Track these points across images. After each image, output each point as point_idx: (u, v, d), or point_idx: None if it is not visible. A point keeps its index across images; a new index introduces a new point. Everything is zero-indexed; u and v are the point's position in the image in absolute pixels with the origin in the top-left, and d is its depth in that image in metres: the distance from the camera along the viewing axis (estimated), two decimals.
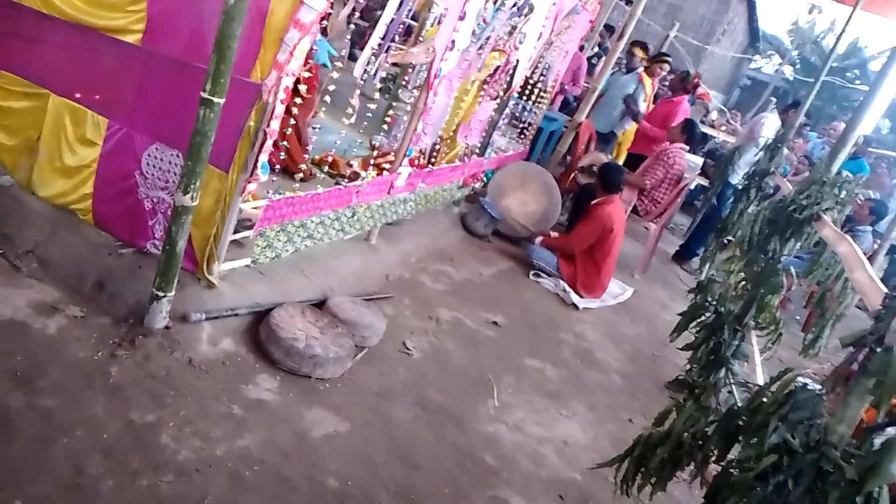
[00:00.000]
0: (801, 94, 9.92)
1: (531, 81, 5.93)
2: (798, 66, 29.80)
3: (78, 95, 2.84)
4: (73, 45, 2.80)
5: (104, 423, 2.18)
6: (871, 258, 5.91)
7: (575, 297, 4.78)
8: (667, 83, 9.35)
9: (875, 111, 3.99)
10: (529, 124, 6.45)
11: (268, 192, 3.04)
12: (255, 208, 2.92)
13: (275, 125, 2.66)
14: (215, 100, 2.30)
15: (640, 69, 7.24)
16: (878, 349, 1.67)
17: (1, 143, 3.03)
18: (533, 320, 4.27)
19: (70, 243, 2.88)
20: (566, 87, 8.12)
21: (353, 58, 6.58)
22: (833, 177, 3.71)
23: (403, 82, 5.72)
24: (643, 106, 7.16)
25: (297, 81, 2.75)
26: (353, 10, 5.86)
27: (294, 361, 2.75)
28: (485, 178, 5.64)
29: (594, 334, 4.43)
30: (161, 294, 2.57)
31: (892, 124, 27.24)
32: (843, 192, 3.67)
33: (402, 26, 4.13)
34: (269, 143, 2.68)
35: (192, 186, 2.42)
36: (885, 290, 1.98)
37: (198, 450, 2.23)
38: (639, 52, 7.59)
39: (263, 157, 2.70)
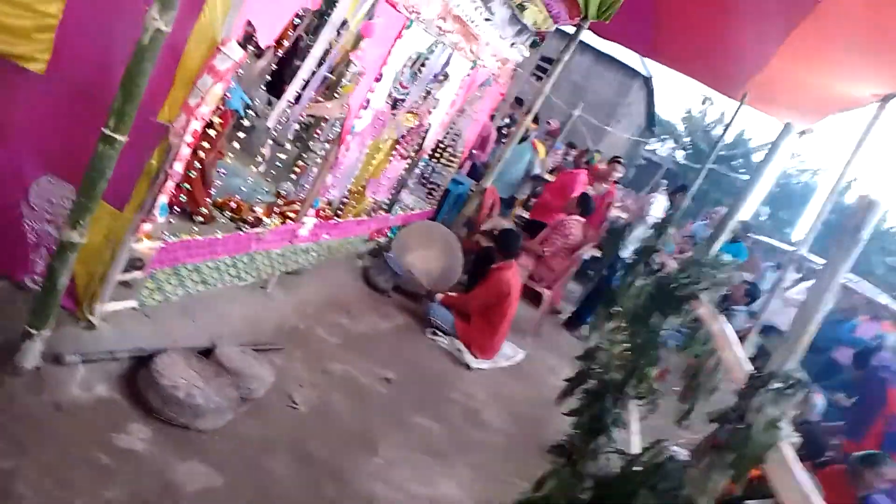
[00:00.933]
0: (690, 178, 10.72)
1: (442, 145, 6.12)
2: (689, 152, 32.15)
3: None
4: None
5: None
6: (743, 336, 6.37)
7: (469, 357, 4.85)
8: (570, 157, 9.91)
9: (755, 198, 4.39)
10: (437, 185, 6.62)
11: (163, 234, 2.97)
12: (149, 249, 2.83)
13: (178, 167, 2.62)
14: (118, 137, 2.25)
15: (532, 137, 7.74)
16: (739, 425, 1.81)
17: None
18: (425, 378, 4.30)
19: None
20: (475, 153, 8.43)
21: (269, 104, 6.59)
22: (712, 259, 4.01)
23: (316, 134, 5.76)
24: (541, 171, 7.65)
25: (208, 125, 2.73)
26: (270, 62, 5.90)
27: (172, 411, 2.64)
28: (390, 234, 5.70)
29: (483, 395, 4.50)
30: (34, 332, 2.43)
31: (770, 211, 29.68)
32: (721, 274, 3.97)
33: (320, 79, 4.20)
34: (170, 184, 2.64)
35: (81, 223, 2.33)
36: (749, 369, 2.16)
37: (58, 500, 2.09)
38: (532, 124, 8.08)
39: (163, 198, 2.65)
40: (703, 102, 32.12)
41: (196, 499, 2.39)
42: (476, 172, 8.76)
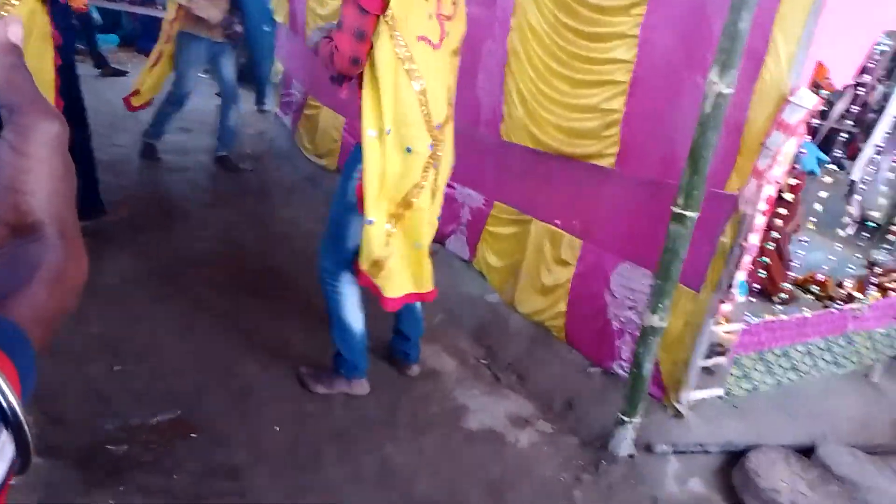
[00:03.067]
0: None
1: None
2: None
3: (557, 221, 3.04)
4: (553, 175, 3.03)
5: None
6: None
7: None
8: None
9: None
10: None
11: (744, 315, 2.72)
12: (729, 332, 2.62)
13: (753, 240, 2.37)
14: (688, 214, 2.16)
15: None
16: None
17: (491, 264, 3.43)
18: None
19: (544, 360, 3.00)
20: None
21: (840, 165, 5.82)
22: None
23: None
24: None
25: (781, 191, 2.44)
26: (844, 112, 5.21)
27: None
28: None
29: None
30: (626, 419, 2.44)
31: None
32: None
33: None
34: (746, 260, 2.40)
35: (661, 306, 2.28)
36: None
37: None
38: None
39: (740, 276, 2.42)
40: None
41: None
42: None
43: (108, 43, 7.19)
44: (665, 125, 2.54)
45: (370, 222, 2.25)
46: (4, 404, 0.30)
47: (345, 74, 2.18)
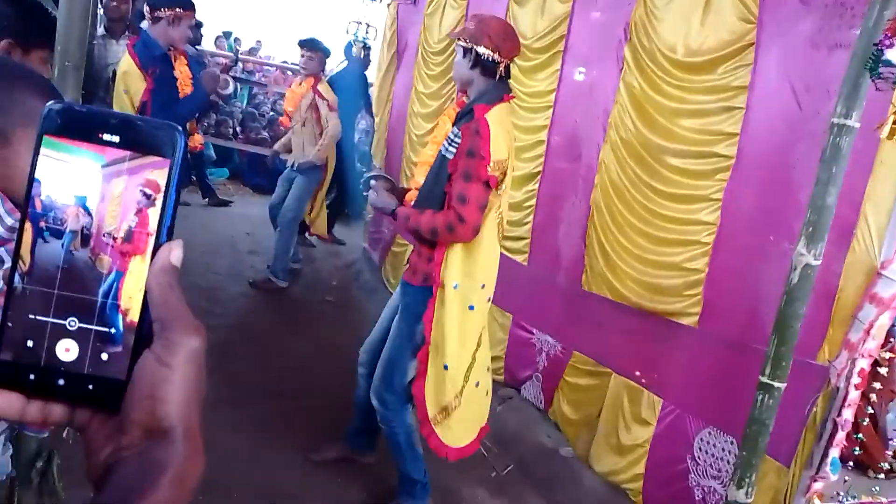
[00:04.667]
0: None
1: None
2: None
3: (637, 374, 2.97)
4: (633, 328, 3.01)
5: None
6: None
7: None
8: None
9: None
10: None
11: (838, 495, 2.52)
12: None
13: (847, 414, 2.25)
14: (775, 384, 2.07)
15: None
16: None
17: (566, 416, 3.35)
18: None
19: None
20: None
21: None
22: None
23: None
24: None
25: (876, 363, 2.33)
26: None
27: None
28: None
29: None
30: None
31: None
32: None
33: None
34: (840, 436, 2.26)
35: (746, 480, 2.15)
36: None
37: None
38: None
39: (834, 452, 2.28)
40: None
41: None
42: None
43: (218, 176, 7.83)
44: (750, 288, 2.51)
45: (446, 367, 2.32)
46: None
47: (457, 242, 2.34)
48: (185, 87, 3.39)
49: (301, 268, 5.30)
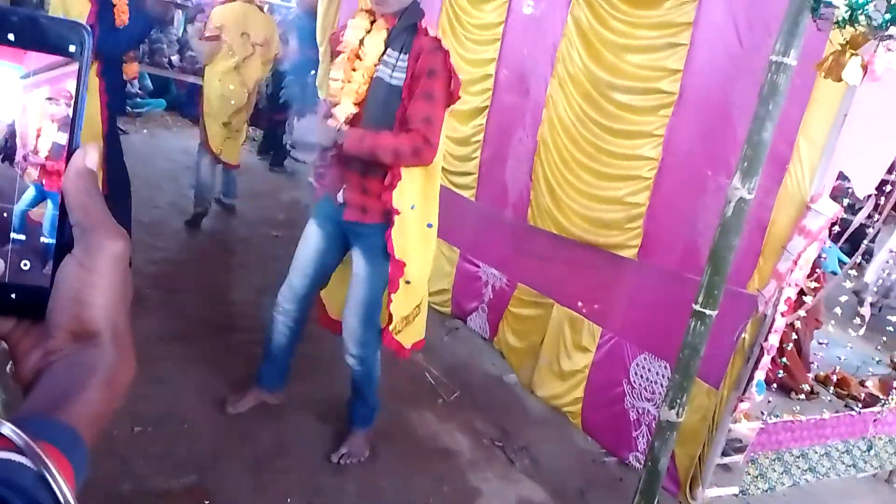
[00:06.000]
0: None
1: None
2: None
3: (579, 304, 3.08)
4: (576, 261, 3.10)
5: None
6: None
7: None
8: None
9: None
10: None
11: (762, 414, 2.71)
12: (748, 430, 2.61)
13: (773, 340, 2.40)
14: (707, 312, 2.19)
15: None
16: None
17: (511, 345, 3.46)
18: None
19: (559, 445, 3.00)
20: None
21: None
22: None
23: None
24: None
25: (802, 293, 2.47)
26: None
27: None
28: None
29: None
30: None
31: None
32: None
33: None
34: (766, 359, 2.42)
35: (678, 402, 2.28)
36: None
37: None
38: None
39: (759, 374, 2.43)
40: None
41: None
42: None
43: (155, 107, 7.53)
44: (688, 221, 2.61)
45: (408, 283, 2.36)
46: (62, 500, 0.36)
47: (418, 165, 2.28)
48: (121, 13, 3.21)
49: (234, 205, 5.20)
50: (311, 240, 2.52)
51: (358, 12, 2.34)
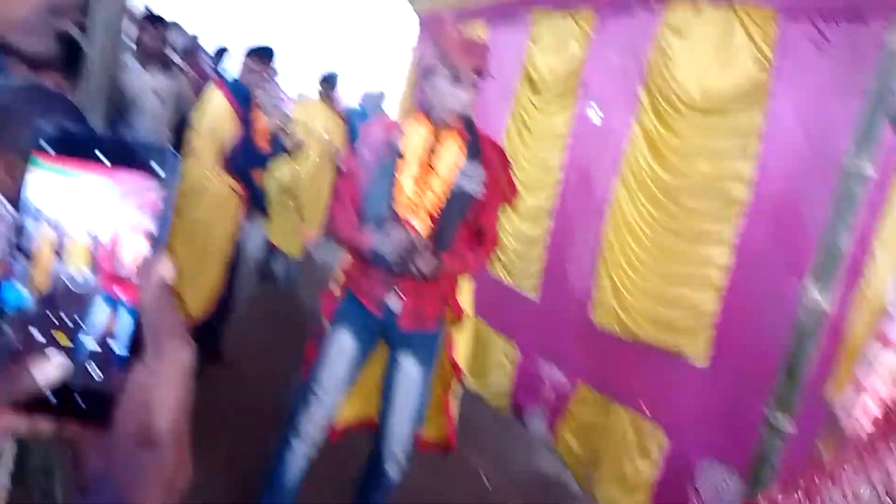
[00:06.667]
0: None
1: None
2: None
3: (641, 402, 2.99)
4: (640, 363, 3.03)
5: None
6: None
7: None
8: None
9: None
10: None
11: None
12: None
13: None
14: (782, 423, 2.10)
15: None
16: None
17: (570, 446, 3.36)
18: None
19: None
20: None
21: None
22: None
23: None
24: None
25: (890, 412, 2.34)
26: None
27: None
28: None
29: None
30: None
31: None
32: None
33: None
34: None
35: None
36: None
37: None
38: None
39: None
40: None
41: None
42: None
43: None
44: (760, 328, 2.54)
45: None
46: None
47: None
48: (262, 139, 3.49)
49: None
50: (349, 353, 2.21)
51: (410, 117, 2.19)
